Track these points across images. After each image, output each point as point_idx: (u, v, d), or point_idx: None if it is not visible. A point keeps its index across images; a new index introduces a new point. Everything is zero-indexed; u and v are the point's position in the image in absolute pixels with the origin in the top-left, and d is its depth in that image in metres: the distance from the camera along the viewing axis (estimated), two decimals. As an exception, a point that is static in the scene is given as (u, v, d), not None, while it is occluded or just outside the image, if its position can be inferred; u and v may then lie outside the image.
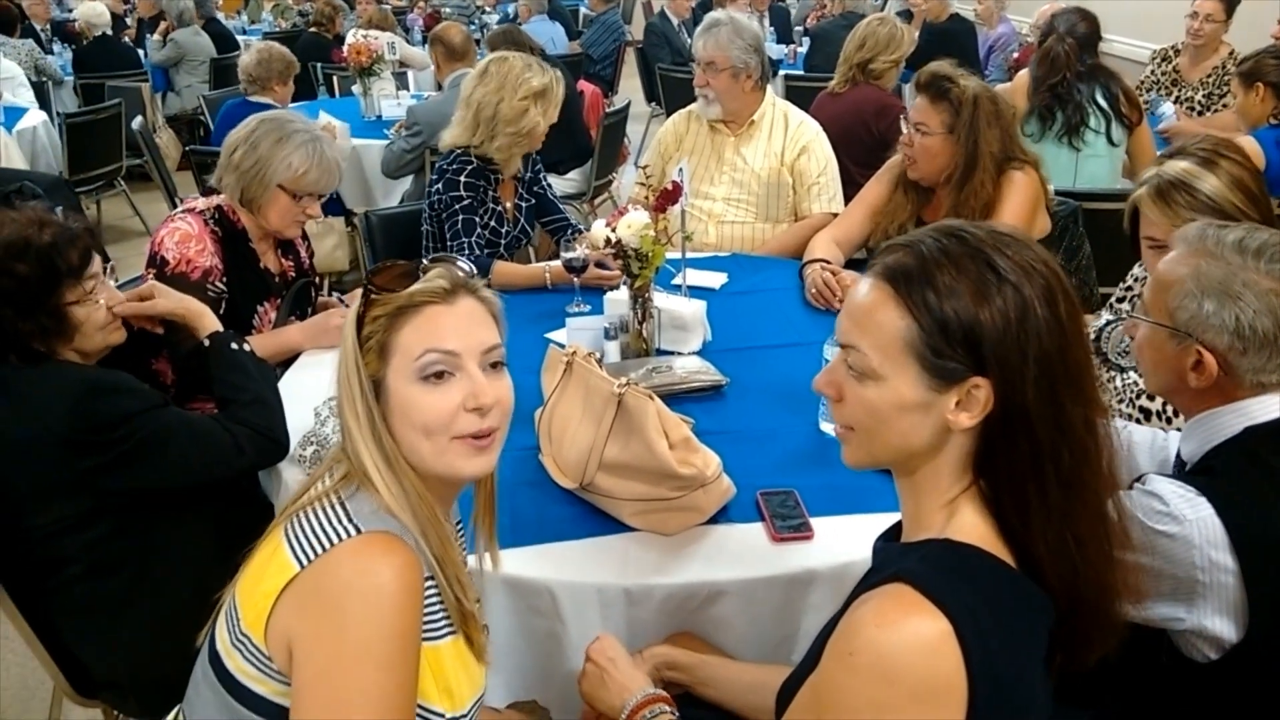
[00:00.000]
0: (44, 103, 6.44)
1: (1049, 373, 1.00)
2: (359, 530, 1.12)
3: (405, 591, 1.09)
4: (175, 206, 5.01)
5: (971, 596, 0.96)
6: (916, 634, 0.93)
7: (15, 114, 5.80)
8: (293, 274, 2.54)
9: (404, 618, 1.09)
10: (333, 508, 1.15)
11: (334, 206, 4.48)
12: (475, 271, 1.27)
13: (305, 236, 2.60)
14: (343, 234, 4.42)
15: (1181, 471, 1.44)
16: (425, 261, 1.25)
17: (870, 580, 1.03)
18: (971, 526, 1.05)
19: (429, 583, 1.18)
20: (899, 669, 0.93)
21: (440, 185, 2.84)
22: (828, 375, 1.12)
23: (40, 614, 1.79)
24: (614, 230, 2.16)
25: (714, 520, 1.66)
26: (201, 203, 2.40)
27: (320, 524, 1.13)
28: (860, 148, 3.60)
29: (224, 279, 2.34)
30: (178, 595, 1.69)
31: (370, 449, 1.17)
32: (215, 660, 1.18)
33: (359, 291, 1.24)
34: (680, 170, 2.33)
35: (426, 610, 1.17)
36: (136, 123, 5.13)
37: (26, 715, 2.51)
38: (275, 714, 1.13)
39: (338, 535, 1.11)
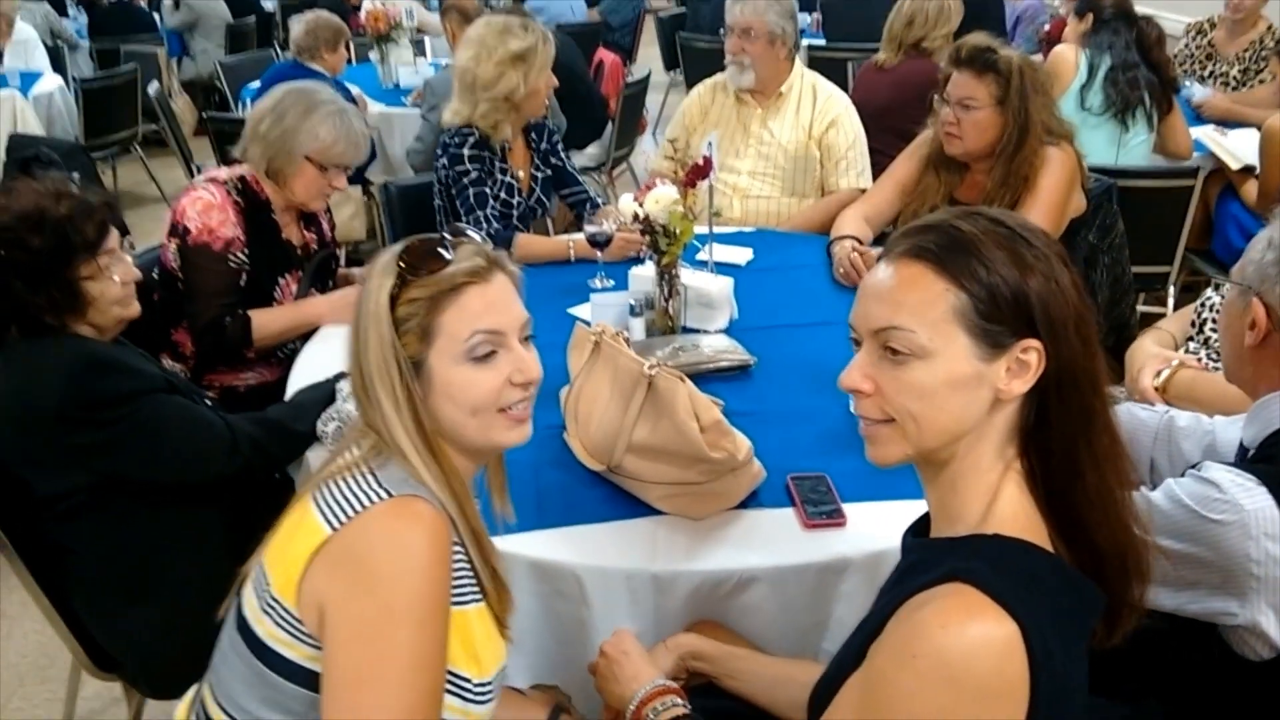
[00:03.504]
0: (60, 67, 6.38)
1: (1084, 334, 1.02)
2: (389, 495, 1.13)
3: (436, 553, 1.11)
4: (191, 173, 5.04)
5: (1033, 599, 0.94)
6: (985, 636, 0.92)
7: (31, 79, 5.75)
8: (315, 246, 2.51)
9: (435, 578, 1.11)
10: (363, 476, 1.16)
11: (352, 175, 4.41)
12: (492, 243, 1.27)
13: (328, 208, 2.55)
14: (359, 203, 4.36)
15: (1243, 459, 1.40)
16: (448, 236, 1.23)
17: (918, 580, 1.00)
18: (1013, 516, 1.03)
19: (457, 548, 1.19)
20: (966, 672, 0.91)
21: (445, 160, 2.78)
22: (859, 369, 1.07)
23: (57, 591, 1.78)
24: (642, 205, 2.11)
25: (744, 505, 1.63)
26: (224, 172, 2.36)
27: (351, 490, 1.14)
28: (908, 122, 3.48)
29: (246, 250, 2.30)
30: (187, 584, 1.68)
31: (409, 428, 1.18)
32: (244, 628, 1.18)
33: (377, 264, 1.21)
34: (709, 144, 2.28)
35: (455, 575, 1.17)
36: (153, 88, 5.09)
37: (44, 685, 2.51)
38: (306, 679, 1.14)
39: (369, 499, 1.13)
